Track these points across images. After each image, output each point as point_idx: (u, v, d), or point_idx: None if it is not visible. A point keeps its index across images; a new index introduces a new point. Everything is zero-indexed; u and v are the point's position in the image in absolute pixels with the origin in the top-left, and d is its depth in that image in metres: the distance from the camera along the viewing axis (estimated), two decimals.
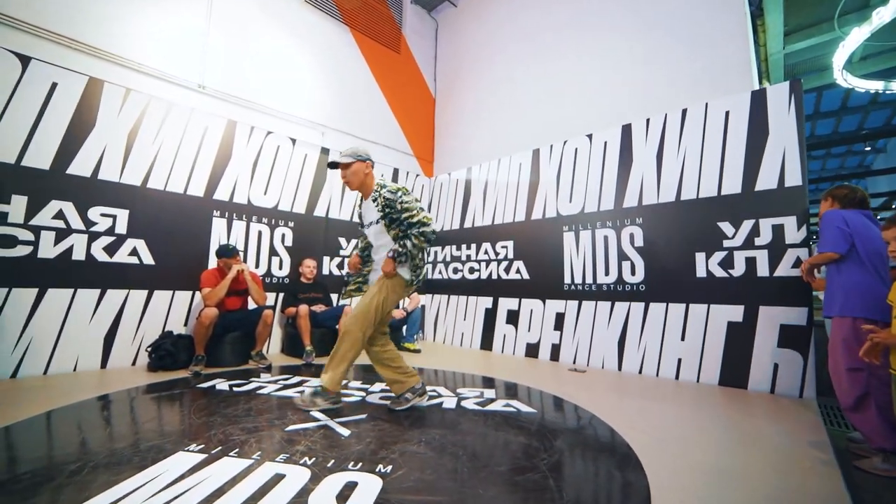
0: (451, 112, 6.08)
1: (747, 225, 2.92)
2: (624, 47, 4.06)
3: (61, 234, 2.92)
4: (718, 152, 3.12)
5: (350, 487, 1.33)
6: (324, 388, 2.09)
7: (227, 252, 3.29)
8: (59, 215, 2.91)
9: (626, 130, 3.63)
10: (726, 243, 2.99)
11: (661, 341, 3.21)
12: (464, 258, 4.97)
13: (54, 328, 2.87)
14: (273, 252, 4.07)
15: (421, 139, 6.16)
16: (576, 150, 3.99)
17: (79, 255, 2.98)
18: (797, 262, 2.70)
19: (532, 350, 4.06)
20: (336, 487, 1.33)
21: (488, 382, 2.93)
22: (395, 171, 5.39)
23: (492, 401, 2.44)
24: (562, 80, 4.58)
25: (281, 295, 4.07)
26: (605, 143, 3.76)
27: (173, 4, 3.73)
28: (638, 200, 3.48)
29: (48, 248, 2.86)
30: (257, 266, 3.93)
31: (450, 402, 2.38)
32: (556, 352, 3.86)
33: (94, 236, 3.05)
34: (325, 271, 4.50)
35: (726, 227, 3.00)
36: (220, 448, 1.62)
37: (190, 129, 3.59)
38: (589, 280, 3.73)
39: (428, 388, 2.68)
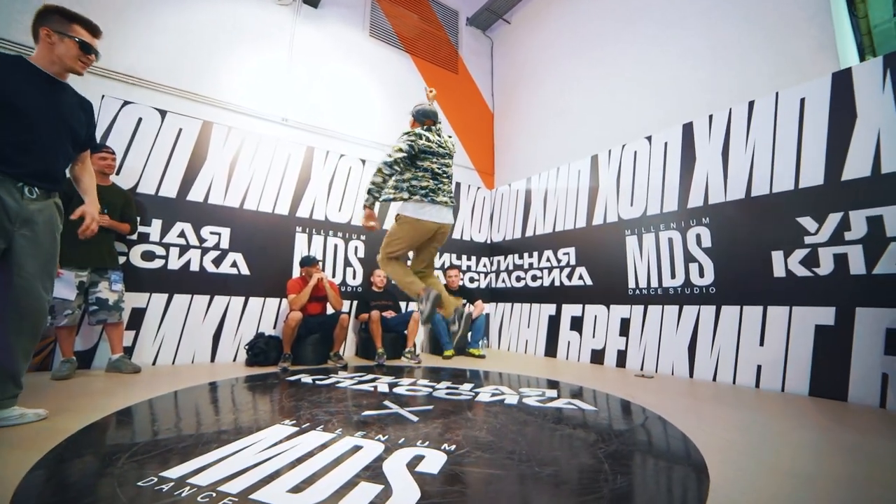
0: (510, 125, 6.24)
1: (834, 218, 2.67)
2: (681, 47, 3.94)
3: (183, 250, 3.55)
4: (794, 143, 2.90)
5: (418, 459, 1.50)
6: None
7: (308, 261, 3.73)
8: (182, 234, 3.56)
9: (688, 129, 3.51)
10: (808, 240, 2.76)
11: (736, 346, 3.01)
12: (526, 266, 5.03)
13: (178, 327, 3.47)
14: (347, 263, 4.49)
15: (481, 153, 6.39)
16: (635, 153, 3.92)
17: (195, 266, 3.59)
18: None
19: (597, 356, 3.99)
20: (406, 458, 1.51)
21: (551, 384, 2.97)
22: (458, 185, 5.64)
23: (553, 399, 2.49)
24: (618, 85, 4.54)
25: (355, 302, 4.46)
26: (666, 143, 3.66)
27: (261, 50, 4.40)
28: (703, 200, 3.33)
29: (174, 261, 3.50)
30: (334, 276, 4.37)
31: (512, 399, 2.48)
32: (622, 358, 3.76)
33: (205, 251, 3.65)
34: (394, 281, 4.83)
35: (807, 222, 2.77)
36: (308, 423, 1.89)
37: (276, 156, 4.15)
38: (654, 284, 3.61)
39: (491, 387, 2.81)
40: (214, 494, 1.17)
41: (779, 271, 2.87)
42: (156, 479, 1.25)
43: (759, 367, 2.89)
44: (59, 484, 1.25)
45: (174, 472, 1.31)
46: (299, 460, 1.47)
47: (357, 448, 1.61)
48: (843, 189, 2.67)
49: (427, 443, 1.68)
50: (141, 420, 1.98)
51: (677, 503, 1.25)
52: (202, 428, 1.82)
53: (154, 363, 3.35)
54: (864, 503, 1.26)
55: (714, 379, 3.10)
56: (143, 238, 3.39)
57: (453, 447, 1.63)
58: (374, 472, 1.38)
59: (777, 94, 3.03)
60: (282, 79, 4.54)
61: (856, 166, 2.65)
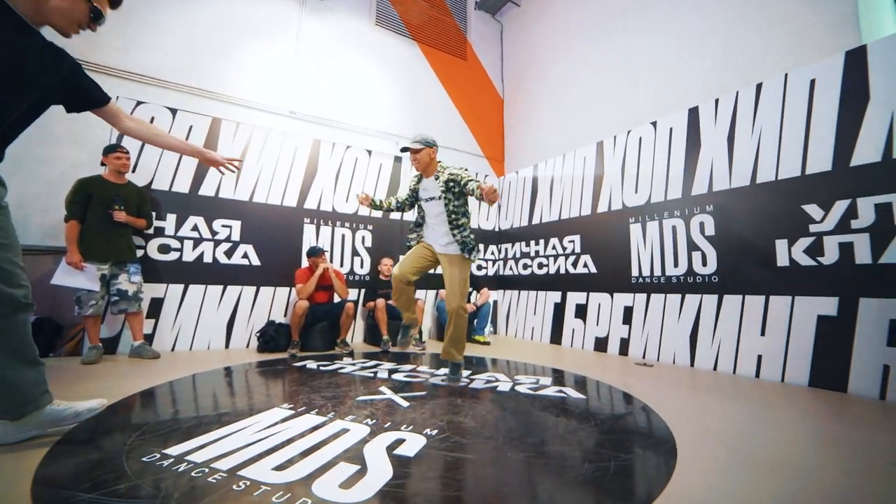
0: (519, 111, 6.17)
1: (840, 206, 2.58)
2: (689, 30, 3.80)
3: (196, 242, 3.74)
4: (802, 127, 2.80)
5: (398, 442, 1.60)
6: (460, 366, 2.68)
7: (314, 252, 3.86)
8: (195, 228, 3.74)
9: (693, 114, 3.41)
10: (813, 228, 2.68)
11: (737, 336, 2.98)
12: (532, 254, 5.04)
13: (194, 315, 3.69)
14: (355, 252, 4.62)
15: (491, 140, 6.36)
16: (640, 139, 3.84)
17: (208, 258, 3.78)
18: None
19: (601, 344, 4.01)
20: (387, 441, 1.61)
21: (549, 372, 3.03)
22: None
23: (545, 387, 2.55)
24: (625, 69, 4.43)
25: (363, 290, 4.60)
26: (671, 129, 3.57)
27: (268, 44, 4.48)
28: (708, 187, 3.26)
29: (189, 253, 3.70)
30: (342, 265, 4.50)
31: (504, 387, 2.56)
32: (624, 346, 3.77)
33: (217, 243, 3.83)
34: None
35: (813, 209, 2.69)
36: (304, 407, 2.02)
37: (284, 150, 4.27)
38: (658, 272, 3.58)
39: (487, 374, 2.90)
40: (207, 470, 1.30)
41: (782, 260, 2.81)
42: (158, 455, 1.40)
43: (759, 357, 2.86)
44: (77, 457, 1.40)
45: (175, 450, 1.45)
46: (289, 441, 1.59)
47: (344, 431, 1.72)
48: (852, 175, 2.57)
49: (411, 427, 1.78)
50: (155, 402, 2.16)
51: (638, 489, 1.31)
52: (207, 410, 1.98)
53: (173, 349, 3.58)
54: (827, 495, 1.28)
55: (715, 368, 3.09)
56: (159, 232, 3.58)
57: (434, 432, 1.72)
58: (354, 453, 1.49)
59: (786, 75, 2.91)
60: (289, 72, 4.62)
61: (866, 151, 2.54)
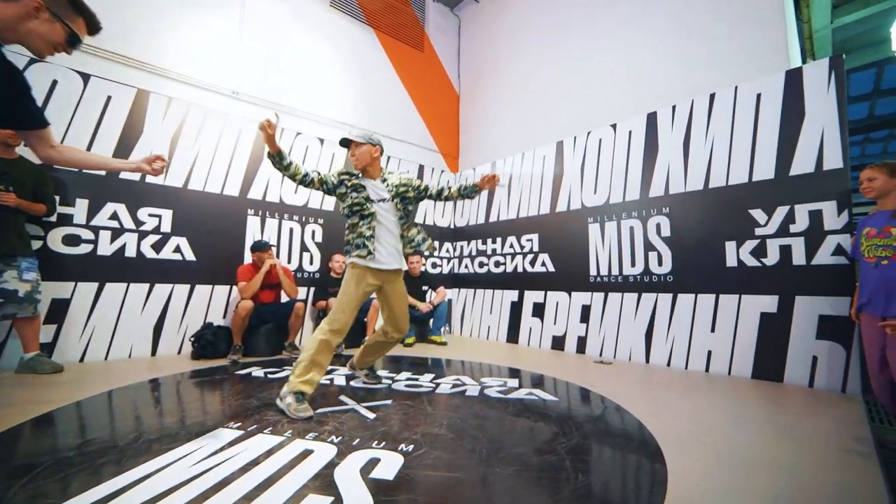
0: (476, 107, 6.11)
1: (781, 211, 2.80)
2: (649, 35, 3.93)
3: (116, 233, 3.19)
4: (749, 137, 3.00)
5: (373, 463, 1.41)
6: None
7: (259, 246, 3.47)
8: (114, 216, 3.19)
9: (652, 118, 3.54)
10: (758, 231, 2.88)
11: (689, 333, 3.13)
12: (489, 252, 5.00)
13: (112, 319, 3.15)
14: (304, 248, 4.26)
15: (446, 135, 6.22)
16: (600, 140, 3.93)
17: (130, 252, 3.25)
18: (838, 250, 2.57)
19: (558, 343, 4.05)
20: (360, 462, 1.42)
21: (513, 373, 2.97)
22: (421, 168, 5.47)
23: (515, 389, 2.48)
24: (585, 71, 4.51)
25: (312, 289, 4.25)
26: (630, 132, 3.68)
27: (209, 16, 3.96)
28: (664, 190, 3.40)
29: (105, 246, 3.14)
30: (289, 261, 4.13)
31: (473, 391, 2.44)
32: (582, 344, 3.84)
33: (142, 235, 3.31)
34: None
35: (758, 214, 2.89)
36: (255, 426, 1.75)
37: (225, 133, 3.81)
38: (615, 272, 3.67)
39: (452, 377, 2.77)
40: None
41: (731, 261, 2.99)
42: None
43: (709, 353, 3.02)
44: None
45: (83, 500, 1.13)
46: (242, 470, 1.34)
47: (307, 452, 1.49)
48: (791, 183, 2.79)
49: (383, 443, 1.59)
50: (54, 431, 1.73)
51: (641, 499, 1.24)
52: (129, 436, 1.63)
53: (82, 360, 3.02)
54: (803, 484, 1.30)
55: (668, 364, 3.22)
56: (65, 220, 3.00)
57: (411, 447, 1.55)
58: (324, 480, 1.28)
59: (736, 87, 3.10)
60: (232, 48, 4.13)
61: (802, 162, 2.77)
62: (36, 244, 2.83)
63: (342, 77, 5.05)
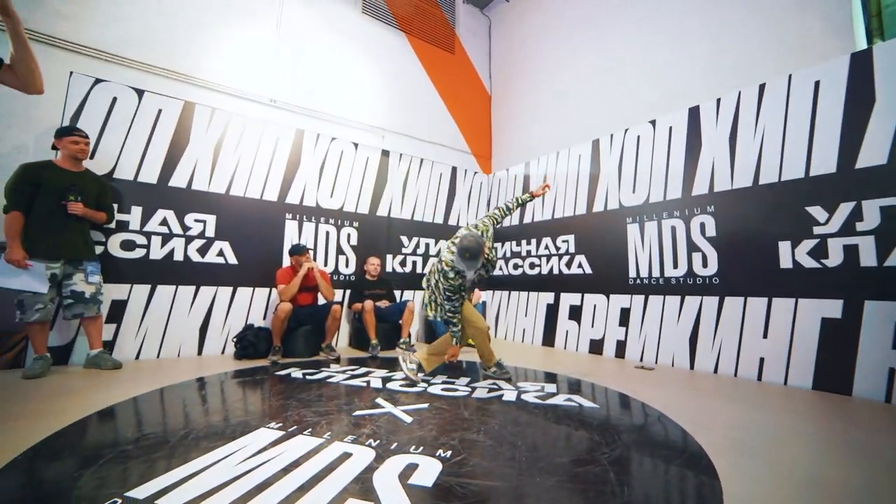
0: (508, 108, 6.04)
1: (845, 208, 2.56)
2: (688, 26, 3.75)
3: (165, 238, 3.38)
4: (806, 129, 2.77)
5: (411, 468, 1.40)
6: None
7: (297, 250, 3.58)
8: (164, 222, 3.38)
9: (694, 113, 3.36)
10: (817, 230, 2.65)
11: (739, 338, 2.93)
12: (524, 254, 4.92)
13: (163, 319, 3.34)
14: (340, 251, 4.35)
15: (478, 137, 6.20)
16: (638, 137, 3.77)
17: (178, 256, 3.43)
18: None
19: (596, 346, 3.92)
20: (398, 468, 1.41)
21: (550, 377, 2.89)
22: (454, 170, 5.46)
23: (552, 395, 2.41)
24: (621, 66, 4.36)
25: (348, 291, 4.33)
26: (671, 128, 3.51)
27: (247, 25, 4.14)
28: (709, 187, 3.21)
29: (157, 250, 3.34)
30: (325, 264, 4.23)
31: (510, 396, 2.39)
32: (621, 348, 3.69)
33: (189, 239, 3.49)
34: (389, 268, 4.71)
35: (817, 211, 2.66)
36: (295, 427, 1.79)
37: (264, 140, 3.96)
38: (656, 273, 3.51)
39: (488, 382, 2.73)
40: None
41: (785, 262, 2.77)
42: (120, 502, 1.14)
43: (762, 360, 2.82)
44: (8, 501, 1.13)
45: (140, 492, 1.19)
46: (284, 471, 1.36)
47: (346, 455, 1.50)
48: (857, 177, 2.55)
49: (421, 448, 1.58)
50: (115, 424, 1.85)
51: None
52: (179, 433, 1.71)
53: (137, 357, 3.22)
54: None
55: (715, 371, 3.03)
56: (122, 227, 3.21)
57: (449, 453, 1.53)
58: (363, 484, 1.28)
59: (790, 76, 2.88)
60: (269, 58, 4.30)
61: (871, 153, 2.53)
62: (98, 249, 3.05)
63: (375, 82, 5.14)
